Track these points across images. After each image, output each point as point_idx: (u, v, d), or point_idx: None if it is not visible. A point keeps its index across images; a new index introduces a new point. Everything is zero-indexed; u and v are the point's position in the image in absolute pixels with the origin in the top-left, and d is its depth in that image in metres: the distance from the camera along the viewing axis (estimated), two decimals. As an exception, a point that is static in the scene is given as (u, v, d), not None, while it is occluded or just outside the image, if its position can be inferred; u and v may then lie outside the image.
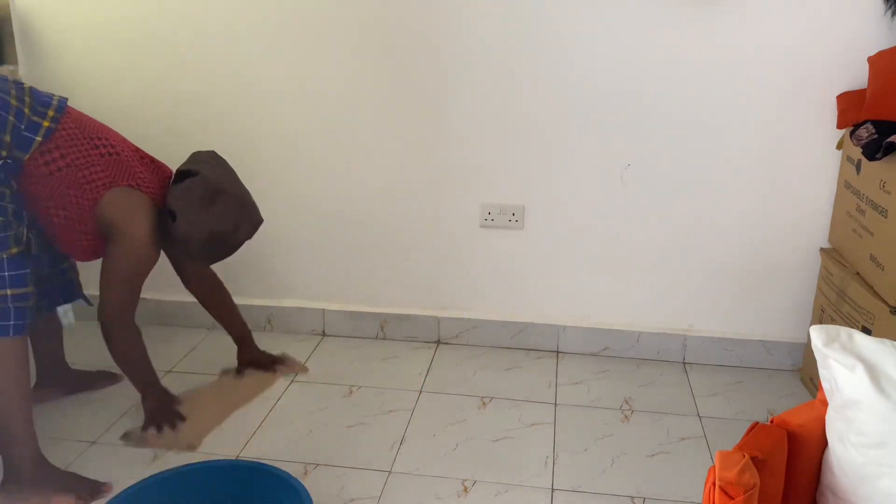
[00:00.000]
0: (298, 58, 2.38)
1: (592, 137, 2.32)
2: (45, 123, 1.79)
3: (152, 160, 2.04)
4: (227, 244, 1.97)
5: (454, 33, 2.29)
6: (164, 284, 2.65)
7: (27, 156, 1.77)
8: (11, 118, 1.73)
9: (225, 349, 2.53)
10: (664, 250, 2.40)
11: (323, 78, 2.38)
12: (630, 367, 2.46)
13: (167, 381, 2.34)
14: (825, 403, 1.26)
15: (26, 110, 1.76)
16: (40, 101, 1.82)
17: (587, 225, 2.41)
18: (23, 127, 1.75)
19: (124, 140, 1.98)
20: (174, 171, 2.02)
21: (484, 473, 1.93)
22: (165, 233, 1.95)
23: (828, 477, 1.27)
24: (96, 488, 1.82)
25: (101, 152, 1.87)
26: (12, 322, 1.72)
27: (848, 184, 2.14)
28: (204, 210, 1.90)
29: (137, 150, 2.01)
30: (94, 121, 1.94)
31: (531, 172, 2.38)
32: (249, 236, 2.02)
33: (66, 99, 1.89)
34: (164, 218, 1.93)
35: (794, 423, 1.28)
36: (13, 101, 1.74)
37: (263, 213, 2.56)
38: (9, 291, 1.72)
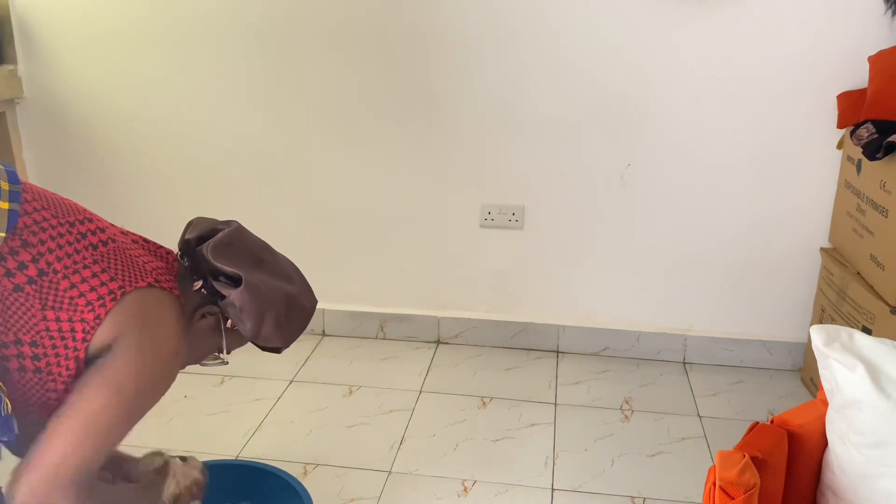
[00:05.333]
0: (298, 58, 2.37)
1: (593, 137, 2.32)
2: (3, 205, 1.11)
3: (144, 240, 1.34)
4: (306, 312, 1.39)
5: (454, 33, 2.29)
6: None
7: None
8: None
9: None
10: (664, 250, 2.40)
11: (323, 78, 2.38)
12: (630, 367, 2.46)
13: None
14: (825, 403, 1.26)
15: None
16: None
17: (587, 225, 2.41)
18: None
19: (102, 219, 1.28)
20: (169, 248, 1.40)
21: (484, 473, 1.92)
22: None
23: (828, 477, 1.27)
24: None
25: (89, 242, 1.19)
26: None
27: (848, 183, 2.14)
28: (264, 269, 1.33)
29: (122, 229, 1.32)
30: (57, 195, 1.24)
31: (531, 172, 2.38)
32: (316, 303, 1.45)
33: (13, 167, 1.20)
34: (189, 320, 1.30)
35: (795, 423, 1.28)
36: None
37: (264, 213, 2.57)
38: None
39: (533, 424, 2.14)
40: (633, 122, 2.29)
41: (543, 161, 2.36)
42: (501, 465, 1.96)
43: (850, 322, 2.05)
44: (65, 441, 1.08)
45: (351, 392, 2.30)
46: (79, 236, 1.18)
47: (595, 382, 2.37)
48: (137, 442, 2.04)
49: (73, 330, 1.12)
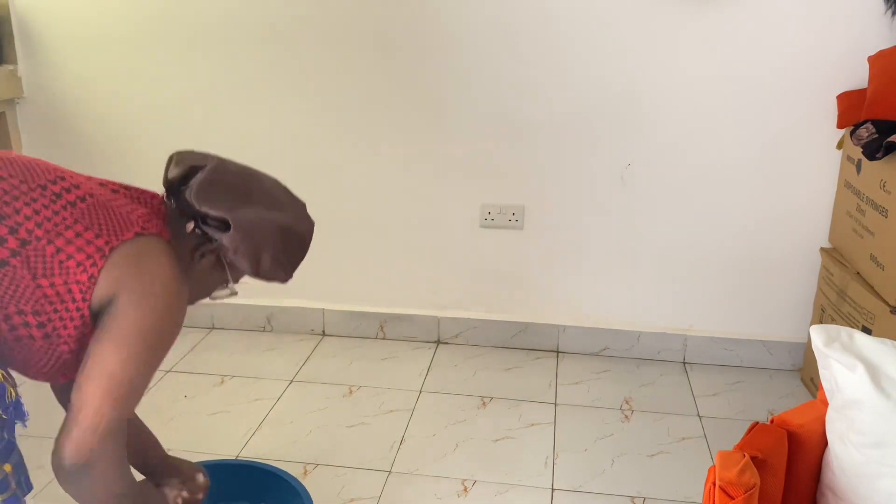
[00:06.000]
0: (298, 58, 2.37)
1: (593, 137, 2.32)
2: None
3: (125, 187, 1.28)
4: (303, 239, 1.40)
5: (454, 33, 2.29)
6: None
7: None
8: None
9: (225, 349, 2.53)
10: (664, 250, 2.40)
11: (323, 78, 2.38)
12: (630, 367, 2.46)
13: (167, 382, 2.34)
14: (825, 403, 1.26)
15: None
16: None
17: (587, 225, 2.41)
18: None
19: (76, 174, 1.23)
20: (154, 191, 1.35)
21: (484, 473, 1.92)
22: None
23: (828, 477, 1.27)
24: None
25: (66, 201, 1.14)
26: None
27: (848, 183, 2.14)
28: (252, 203, 1.29)
29: (101, 180, 1.27)
30: (24, 157, 1.20)
31: (531, 172, 2.38)
32: (313, 225, 1.46)
33: None
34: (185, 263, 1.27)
35: (795, 423, 1.28)
36: None
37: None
38: None
39: (533, 424, 2.14)
40: (633, 122, 2.29)
41: (543, 161, 2.36)
42: (501, 465, 1.96)
43: (850, 322, 2.05)
44: (93, 403, 1.11)
45: (351, 392, 2.30)
46: (54, 197, 1.14)
47: (595, 382, 2.37)
48: (137, 442, 2.04)
49: (70, 292, 1.12)
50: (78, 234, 1.12)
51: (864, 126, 1.98)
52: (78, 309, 1.13)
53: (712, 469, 1.13)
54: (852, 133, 2.02)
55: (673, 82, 2.23)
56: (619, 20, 2.20)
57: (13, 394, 1.17)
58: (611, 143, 2.31)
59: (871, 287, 1.98)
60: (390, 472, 1.93)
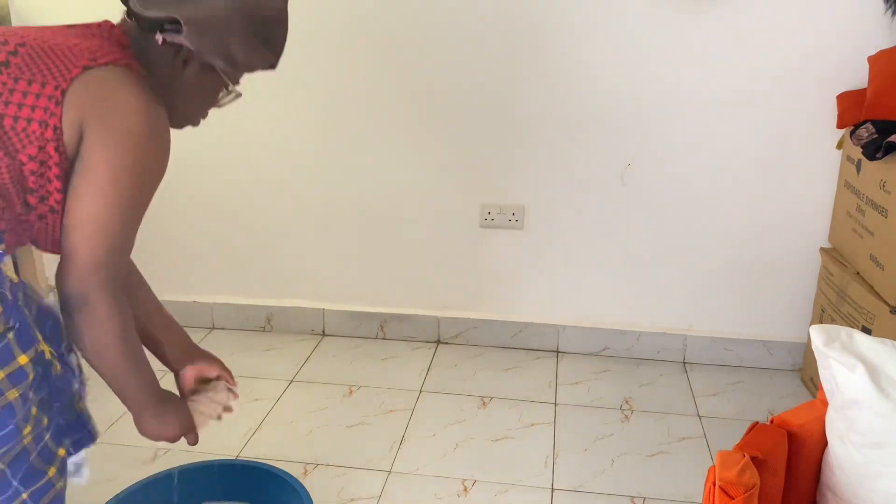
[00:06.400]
0: (299, 57, 2.37)
1: (592, 137, 2.32)
2: None
3: (69, 26, 1.27)
4: (271, 14, 1.24)
5: (454, 33, 2.29)
6: (163, 284, 2.66)
7: None
8: None
9: (225, 349, 2.53)
10: (664, 250, 2.40)
11: (323, 77, 2.38)
12: (630, 367, 2.46)
13: (167, 382, 2.34)
14: (825, 403, 1.26)
15: None
16: None
17: (587, 225, 2.41)
18: None
19: (5, 28, 1.19)
20: (104, 20, 1.30)
21: (484, 473, 1.92)
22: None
23: (828, 477, 1.27)
24: None
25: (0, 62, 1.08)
26: None
27: (848, 184, 2.14)
28: None
29: (38, 27, 1.23)
30: None
31: (531, 172, 2.38)
32: None
33: None
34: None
35: (795, 423, 1.28)
36: None
37: (264, 213, 2.57)
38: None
39: (533, 424, 2.14)
40: (632, 122, 2.29)
41: (543, 161, 2.36)
42: (501, 465, 1.96)
43: (849, 322, 2.05)
44: (84, 246, 1.10)
45: (351, 392, 2.30)
46: None
47: (595, 382, 2.37)
48: (137, 441, 2.04)
49: (45, 154, 1.08)
50: (26, 94, 1.06)
51: (864, 126, 1.98)
52: (59, 166, 1.10)
53: (712, 469, 1.13)
54: (852, 133, 2.02)
55: (673, 82, 2.23)
56: (620, 21, 2.20)
57: (57, 367, 1.19)
58: (611, 143, 2.31)
59: (871, 287, 1.98)
60: (390, 472, 1.93)
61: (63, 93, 1.07)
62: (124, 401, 1.27)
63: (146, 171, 1.15)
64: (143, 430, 1.33)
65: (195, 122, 1.34)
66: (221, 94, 1.31)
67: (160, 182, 1.19)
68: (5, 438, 1.07)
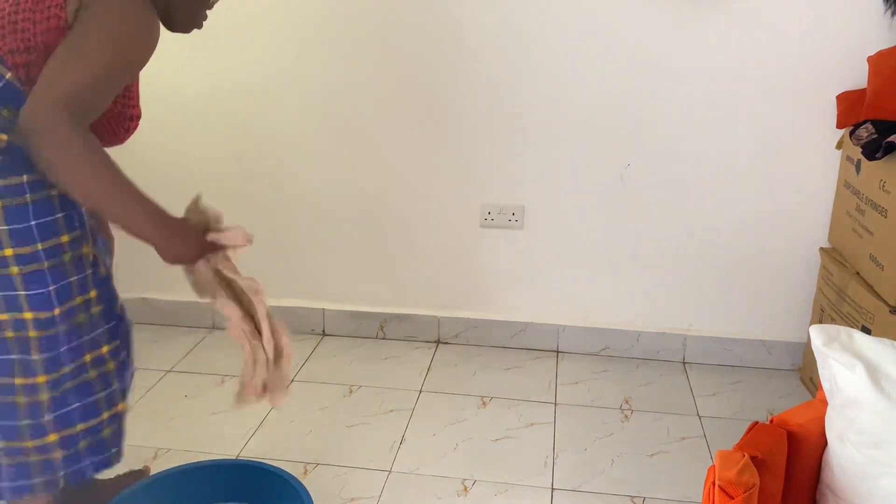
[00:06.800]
0: (300, 56, 2.38)
1: (592, 137, 2.32)
2: None
3: None
4: None
5: (454, 33, 2.29)
6: (164, 284, 2.66)
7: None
8: None
9: (225, 349, 2.53)
10: (664, 250, 2.40)
11: (324, 77, 2.38)
12: (630, 367, 2.46)
13: (167, 382, 2.34)
14: (825, 403, 1.27)
15: None
16: None
17: (587, 225, 2.41)
18: None
19: None
20: None
21: (484, 473, 1.93)
22: None
23: (828, 476, 1.27)
24: (139, 474, 1.76)
25: None
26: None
27: (848, 184, 2.14)
28: None
29: None
30: None
31: (531, 172, 2.38)
32: None
33: None
34: None
35: (794, 423, 1.28)
36: None
37: (264, 213, 2.57)
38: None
39: (533, 424, 2.14)
40: (632, 122, 2.29)
41: (543, 161, 2.36)
42: (501, 465, 1.96)
43: (849, 322, 2.05)
44: (50, 75, 1.19)
45: (351, 392, 2.30)
46: None
47: (595, 382, 2.37)
48: (136, 441, 2.04)
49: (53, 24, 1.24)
50: (42, 11, 1.24)
51: (864, 126, 1.98)
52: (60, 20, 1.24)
53: (712, 469, 1.13)
54: (852, 133, 2.02)
55: (672, 82, 2.23)
56: (620, 21, 2.20)
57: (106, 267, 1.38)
58: (610, 144, 2.31)
59: (871, 287, 1.98)
60: (390, 472, 1.93)
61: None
62: (135, 233, 1.29)
63: (125, 45, 1.25)
64: (164, 257, 1.35)
65: (199, 26, 1.46)
66: None
67: (137, 68, 1.32)
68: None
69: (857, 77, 2.13)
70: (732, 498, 1.07)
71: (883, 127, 1.93)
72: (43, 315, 1.24)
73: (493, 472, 1.93)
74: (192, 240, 1.37)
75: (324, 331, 2.65)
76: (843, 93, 2.13)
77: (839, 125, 2.16)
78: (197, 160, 2.52)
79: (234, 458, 1.97)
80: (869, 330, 1.95)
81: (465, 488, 1.87)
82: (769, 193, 2.30)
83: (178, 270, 2.81)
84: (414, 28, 2.30)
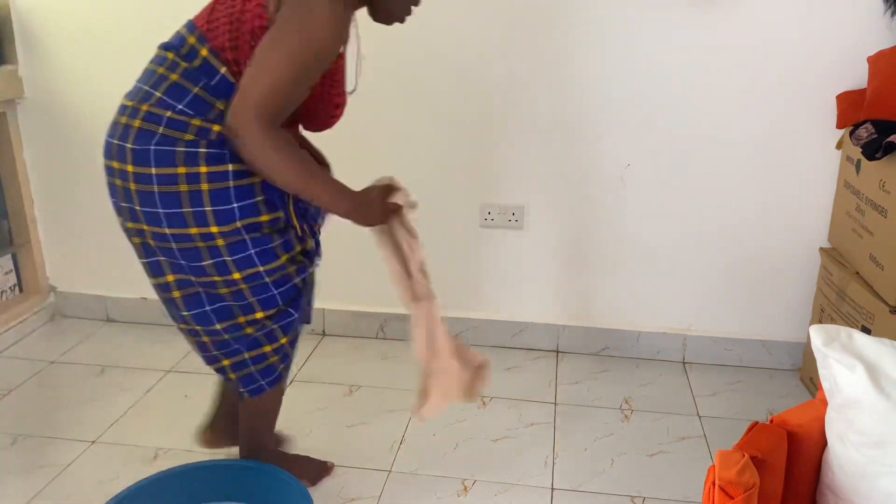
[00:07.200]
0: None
1: (592, 138, 2.32)
2: (203, 52, 1.44)
3: None
4: None
5: (454, 33, 2.29)
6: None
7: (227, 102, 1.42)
8: (196, 89, 1.43)
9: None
10: (664, 250, 2.40)
11: (323, 78, 2.38)
12: (630, 367, 2.47)
13: (167, 382, 2.34)
14: (825, 403, 1.27)
15: (184, 64, 1.45)
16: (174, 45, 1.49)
17: (587, 225, 2.41)
18: (210, 82, 1.43)
19: None
20: None
21: (484, 473, 1.93)
22: None
23: (828, 476, 1.27)
24: (324, 468, 1.89)
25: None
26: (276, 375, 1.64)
27: (848, 184, 2.14)
28: None
29: None
30: None
31: (531, 172, 2.38)
32: None
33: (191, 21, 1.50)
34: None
35: (794, 423, 1.28)
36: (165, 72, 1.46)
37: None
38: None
39: (533, 424, 2.14)
40: (632, 122, 2.29)
41: (543, 161, 2.36)
42: (501, 464, 1.96)
43: (849, 322, 2.06)
44: (248, 81, 1.35)
45: (351, 392, 2.30)
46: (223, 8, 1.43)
47: (595, 382, 2.37)
48: (137, 441, 2.05)
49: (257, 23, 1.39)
50: (250, 10, 1.40)
51: (864, 126, 1.98)
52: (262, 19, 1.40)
53: (712, 469, 1.14)
54: (852, 133, 2.02)
55: (672, 82, 2.23)
56: (620, 21, 2.20)
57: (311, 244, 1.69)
58: (611, 143, 2.32)
59: (871, 287, 1.98)
60: (390, 472, 1.93)
61: None
62: (329, 209, 1.59)
63: (316, 44, 1.38)
64: (359, 223, 1.67)
65: (400, 19, 1.57)
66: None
67: (327, 62, 1.43)
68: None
69: (857, 77, 2.13)
70: (732, 498, 1.07)
71: (883, 127, 1.93)
72: (250, 271, 1.49)
73: (493, 472, 1.93)
74: (376, 205, 1.64)
75: (324, 331, 2.65)
76: (843, 93, 2.14)
77: (839, 125, 2.16)
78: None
79: (234, 458, 1.97)
80: (869, 330, 1.95)
81: (465, 488, 1.87)
82: (769, 193, 2.30)
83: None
84: (413, 28, 2.30)
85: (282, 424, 2.12)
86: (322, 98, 1.52)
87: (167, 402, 2.22)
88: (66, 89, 2.52)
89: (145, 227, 1.46)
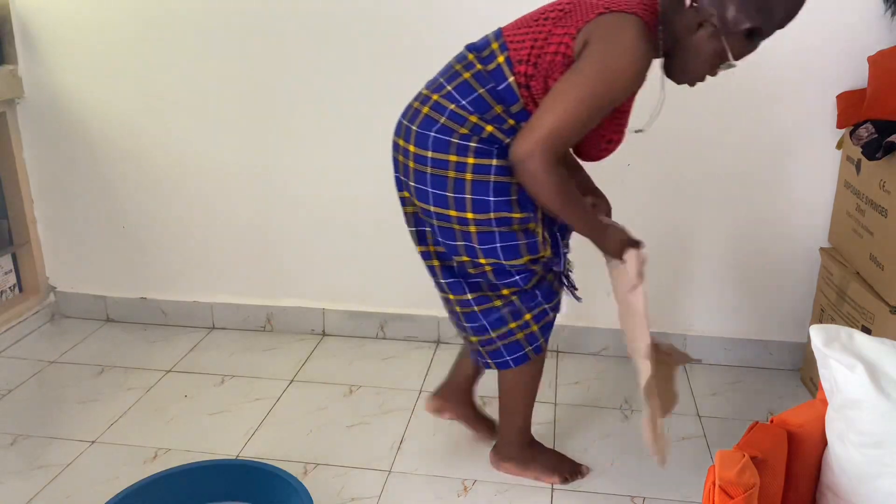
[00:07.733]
0: (297, 58, 2.38)
1: (592, 137, 2.32)
2: (500, 59, 1.54)
3: None
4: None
5: (454, 33, 2.28)
6: (164, 285, 2.66)
7: (515, 106, 1.54)
8: (482, 90, 1.54)
9: (225, 349, 2.53)
10: (664, 250, 2.40)
11: (324, 77, 2.38)
12: (630, 367, 2.45)
13: (167, 382, 2.34)
14: (825, 403, 1.27)
15: (479, 66, 1.56)
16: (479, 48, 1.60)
17: (587, 225, 2.41)
18: (497, 86, 1.54)
19: None
20: None
21: (484, 473, 1.92)
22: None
23: (828, 476, 1.27)
24: (577, 469, 1.91)
25: (550, 17, 1.52)
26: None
27: (848, 183, 2.14)
28: None
29: None
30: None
31: (531, 172, 2.38)
32: None
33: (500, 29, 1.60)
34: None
35: (794, 423, 1.28)
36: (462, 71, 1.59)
37: (264, 213, 2.57)
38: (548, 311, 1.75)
39: (533, 424, 2.13)
40: (632, 122, 2.28)
41: (543, 161, 2.36)
42: (501, 464, 1.96)
43: (849, 322, 2.05)
44: (537, 118, 1.46)
45: (351, 392, 2.30)
46: (542, 21, 1.52)
47: (595, 382, 2.37)
48: (136, 441, 2.05)
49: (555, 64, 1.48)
50: (552, 34, 1.48)
51: (864, 126, 1.98)
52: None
53: (712, 469, 1.13)
54: (852, 133, 2.02)
55: (672, 82, 2.23)
56: (619, 20, 2.19)
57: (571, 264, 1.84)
58: (611, 143, 2.31)
59: (871, 287, 1.98)
60: (390, 472, 1.93)
61: (578, 30, 1.45)
62: (581, 234, 1.67)
63: (613, 87, 1.45)
64: (601, 249, 1.72)
65: (691, 82, 1.59)
66: (721, 64, 1.54)
67: (618, 104, 1.50)
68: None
69: (857, 77, 2.13)
70: (732, 498, 1.07)
71: (883, 127, 1.93)
72: (494, 261, 1.61)
73: (492, 472, 1.93)
74: (616, 241, 1.70)
75: (324, 331, 2.65)
76: (843, 93, 2.13)
77: (839, 125, 2.16)
78: (197, 161, 2.51)
79: (234, 458, 1.97)
80: (869, 330, 1.95)
81: (465, 488, 1.87)
82: (769, 193, 2.29)
83: (177, 271, 2.82)
84: (411, 24, 2.30)
85: (282, 424, 2.12)
86: (597, 131, 1.58)
87: (167, 402, 2.22)
88: (66, 89, 2.52)
89: (416, 202, 1.64)
